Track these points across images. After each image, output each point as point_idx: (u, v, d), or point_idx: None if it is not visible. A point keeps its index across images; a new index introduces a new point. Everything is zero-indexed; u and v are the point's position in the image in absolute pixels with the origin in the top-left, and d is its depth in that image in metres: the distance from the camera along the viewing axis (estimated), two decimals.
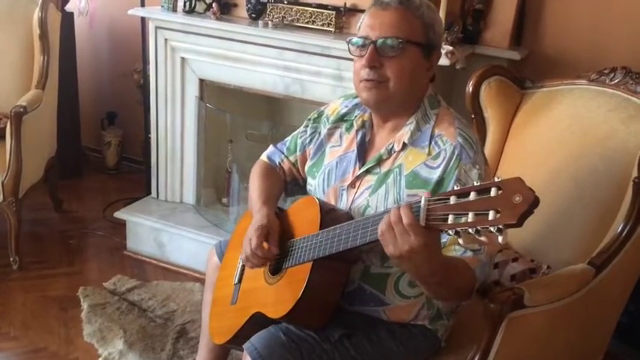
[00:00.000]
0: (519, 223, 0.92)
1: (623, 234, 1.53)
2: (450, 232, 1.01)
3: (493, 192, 0.95)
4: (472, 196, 0.98)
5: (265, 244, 1.40)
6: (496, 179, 0.97)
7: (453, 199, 1.01)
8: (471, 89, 1.94)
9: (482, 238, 0.98)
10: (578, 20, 2.40)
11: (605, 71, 1.80)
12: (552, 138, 1.81)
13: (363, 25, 1.36)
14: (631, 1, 2.30)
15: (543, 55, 2.47)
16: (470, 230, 0.98)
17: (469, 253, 1.26)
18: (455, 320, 1.50)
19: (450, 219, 1.00)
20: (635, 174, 1.52)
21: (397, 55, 1.31)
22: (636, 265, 1.68)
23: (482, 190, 0.97)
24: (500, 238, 0.95)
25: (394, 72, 1.31)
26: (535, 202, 0.92)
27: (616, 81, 1.77)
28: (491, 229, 0.95)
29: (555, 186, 1.73)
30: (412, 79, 1.34)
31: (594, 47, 2.37)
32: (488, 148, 1.95)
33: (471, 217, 0.97)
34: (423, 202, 1.06)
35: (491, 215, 0.94)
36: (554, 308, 1.45)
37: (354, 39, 1.36)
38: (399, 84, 1.32)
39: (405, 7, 1.32)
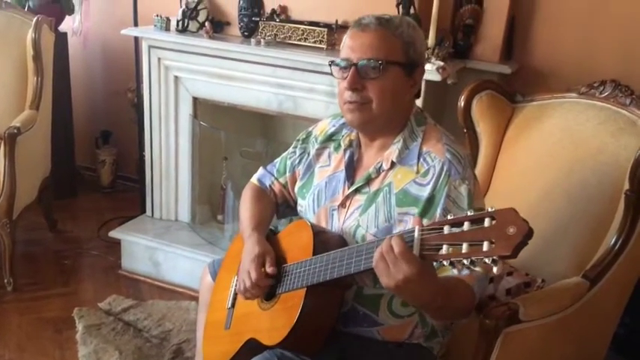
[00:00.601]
0: (514, 255, 0.93)
1: (617, 246, 1.54)
2: (445, 262, 1.01)
3: (487, 222, 0.96)
4: (466, 225, 0.99)
5: (262, 270, 1.39)
6: (490, 209, 0.97)
7: (446, 229, 1.02)
8: (462, 104, 1.95)
9: (477, 269, 0.98)
10: (567, 34, 2.42)
11: (595, 84, 1.82)
12: (544, 152, 1.82)
13: (344, 47, 1.36)
14: (619, 15, 2.33)
15: (533, 69, 2.49)
16: (464, 261, 0.98)
17: (466, 271, 1.25)
18: (450, 337, 1.49)
19: (444, 249, 1.01)
20: (626, 187, 1.53)
21: (378, 76, 1.31)
22: (630, 277, 1.69)
23: (476, 220, 0.98)
24: (495, 269, 0.95)
25: (376, 93, 1.32)
26: (529, 233, 0.93)
27: (605, 94, 1.78)
28: (486, 260, 0.95)
29: (549, 200, 1.74)
30: (395, 98, 1.34)
31: (583, 60, 2.39)
32: (481, 162, 1.96)
33: (465, 247, 0.97)
34: (416, 232, 1.06)
35: (485, 246, 0.95)
36: (550, 322, 1.45)
37: (337, 60, 1.37)
38: (381, 105, 1.33)
39: (384, 28, 1.32)
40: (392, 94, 1.33)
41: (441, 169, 1.30)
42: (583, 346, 1.69)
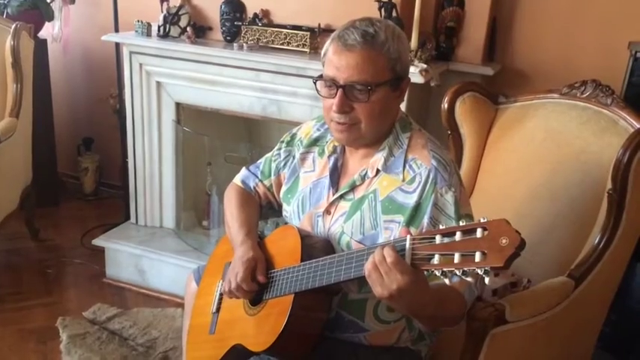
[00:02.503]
0: (506, 266, 0.93)
1: (601, 245, 1.55)
2: (437, 272, 1.01)
3: (479, 233, 0.96)
4: (458, 236, 0.99)
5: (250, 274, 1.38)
6: (482, 219, 0.97)
7: (438, 239, 1.01)
8: (446, 106, 1.95)
9: (469, 279, 0.98)
10: (548, 35, 2.45)
11: (576, 85, 1.83)
12: (528, 152, 1.83)
13: (329, 62, 1.30)
14: (599, 16, 2.36)
15: (516, 70, 2.51)
16: (456, 271, 0.98)
17: (456, 278, 1.25)
18: (437, 338, 1.49)
19: (436, 259, 1.01)
20: (609, 186, 1.54)
21: (367, 99, 1.28)
22: (615, 275, 1.70)
23: (468, 231, 0.98)
24: (487, 280, 0.95)
25: (365, 115, 1.29)
26: (522, 245, 0.93)
27: (587, 94, 1.80)
28: (478, 270, 0.95)
29: (534, 200, 1.75)
30: (383, 115, 1.33)
31: (564, 61, 2.42)
32: (466, 164, 1.97)
33: (457, 258, 0.97)
34: (408, 242, 1.06)
35: (477, 257, 0.94)
36: (537, 322, 1.46)
37: (323, 78, 1.32)
38: (370, 125, 1.31)
39: (371, 47, 1.26)
40: (380, 112, 1.31)
41: (427, 176, 1.29)
42: (570, 345, 1.70)
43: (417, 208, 1.28)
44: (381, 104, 1.30)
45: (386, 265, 1.07)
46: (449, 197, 1.27)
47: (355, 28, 1.28)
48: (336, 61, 1.29)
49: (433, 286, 1.17)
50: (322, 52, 1.35)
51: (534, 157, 1.81)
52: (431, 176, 1.29)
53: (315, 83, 1.35)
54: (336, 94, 1.29)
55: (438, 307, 1.17)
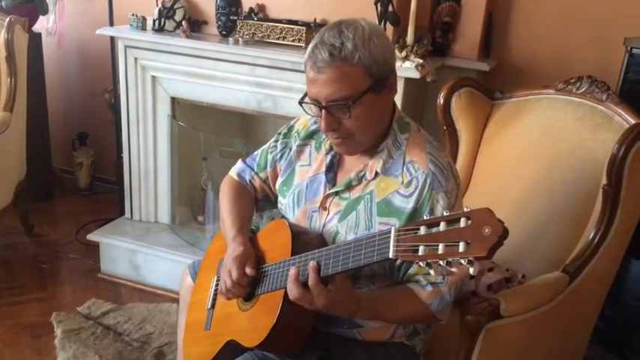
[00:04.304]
0: (489, 256, 0.93)
1: (595, 240, 1.56)
2: (422, 263, 1.01)
3: (462, 222, 0.96)
4: (442, 226, 0.99)
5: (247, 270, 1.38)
6: (465, 209, 0.97)
7: (422, 229, 1.01)
8: (441, 101, 1.95)
9: (454, 269, 0.98)
10: (544, 30, 2.45)
11: (572, 80, 1.84)
12: (524, 148, 1.83)
13: (308, 81, 1.27)
14: (594, 12, 2.36)
15: (511, 66, 2.51)
16: (441, 262, 0.97)
17: (429, 288, 1.29)
18: (432, 333, 1.50)
19: (421, 250, 1.00)
20: (604, 181, 1.55)
21: (348, 115, 1.25)
22: (609, 271, 1.71)
23: (452, 221, 0.98)
24: (471, 270, 0.95)
25: (355, 126, 1.28)
26: (504, 233, 0.92)
27: (582, 90, 1.80)
28: (462, 261, 0.95)
29: (531, 196, 1.75)
30: (375, 119, 1.31)
31: (560, 57, 2.42)
32: (461, 159, 1.97)
33: (441, 248, 0.97)
34: (392, 233, 1.06)
35: (461, 247, 0.94)
36: (531, 317, 1.46)
37: (306, 99, 1.29)
38: (364, 133, 1.30)
39: (341, 61, 1.21)
40: (369, 119, 1.28)
41: (425, 181, 1.28)
42: (564, 340, 1.70)
43: (414, 213, 1.28)
44: (369, 111, 1.27)
45: (305, 295, 1.20)
46: (443, 204, 1.27)
47: (323, 44, 1.23)
48: (313, 82, 1.26)
49: (383, 291, 1.32)
50: (304, 64, 1.30)
51: (530, 154, 1.81)
52: (428, 181, 1.28)
53: (301, 105, 1.32)
54: (322, 116, 1.27)
55: (386, 309, 1.28)
